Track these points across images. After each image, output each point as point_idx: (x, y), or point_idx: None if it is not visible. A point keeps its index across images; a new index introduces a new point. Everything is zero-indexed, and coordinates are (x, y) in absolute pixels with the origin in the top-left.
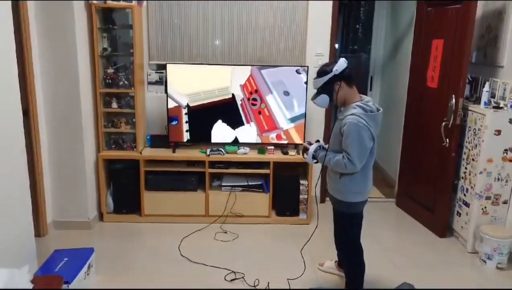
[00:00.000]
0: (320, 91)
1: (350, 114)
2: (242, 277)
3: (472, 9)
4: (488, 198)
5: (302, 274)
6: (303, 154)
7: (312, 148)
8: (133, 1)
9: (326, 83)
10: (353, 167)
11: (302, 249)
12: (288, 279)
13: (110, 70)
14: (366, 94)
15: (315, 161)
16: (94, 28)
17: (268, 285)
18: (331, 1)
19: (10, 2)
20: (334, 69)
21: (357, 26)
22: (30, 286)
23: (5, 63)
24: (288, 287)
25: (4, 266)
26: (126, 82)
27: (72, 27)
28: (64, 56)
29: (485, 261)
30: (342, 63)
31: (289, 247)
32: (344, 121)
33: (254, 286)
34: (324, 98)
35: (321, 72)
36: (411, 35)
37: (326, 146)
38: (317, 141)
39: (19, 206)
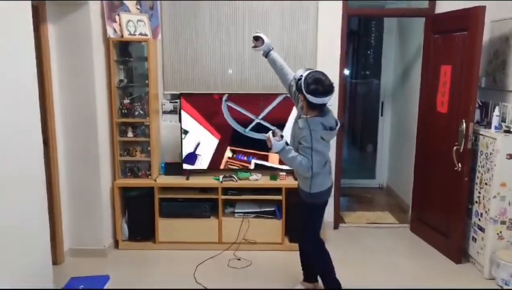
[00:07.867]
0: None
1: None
2: None
3: (478, 36)
4: (503, 222)
5: None
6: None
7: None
8: (148, 35)
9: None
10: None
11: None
12: None
13: (126, 101)
14: (377, 120)
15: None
16: (111, 61)
17: None
18: (340, 30)
19: (32, 37)
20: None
21: (368, 52)
22: None
23: (28, 95)
24: None
25: None
26: (141, 111)
27: (90, 60)
28: (82, 87)
29: (502, 287)
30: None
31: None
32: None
33: None
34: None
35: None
36: (420, 61)
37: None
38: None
39: (37, 233)
